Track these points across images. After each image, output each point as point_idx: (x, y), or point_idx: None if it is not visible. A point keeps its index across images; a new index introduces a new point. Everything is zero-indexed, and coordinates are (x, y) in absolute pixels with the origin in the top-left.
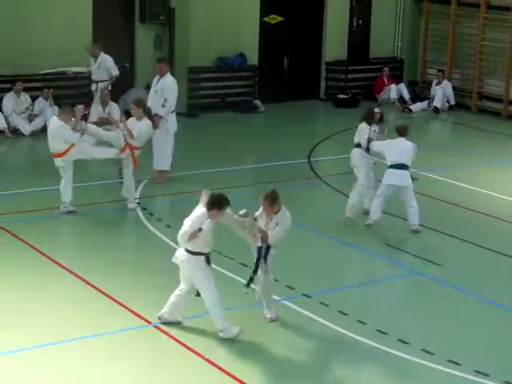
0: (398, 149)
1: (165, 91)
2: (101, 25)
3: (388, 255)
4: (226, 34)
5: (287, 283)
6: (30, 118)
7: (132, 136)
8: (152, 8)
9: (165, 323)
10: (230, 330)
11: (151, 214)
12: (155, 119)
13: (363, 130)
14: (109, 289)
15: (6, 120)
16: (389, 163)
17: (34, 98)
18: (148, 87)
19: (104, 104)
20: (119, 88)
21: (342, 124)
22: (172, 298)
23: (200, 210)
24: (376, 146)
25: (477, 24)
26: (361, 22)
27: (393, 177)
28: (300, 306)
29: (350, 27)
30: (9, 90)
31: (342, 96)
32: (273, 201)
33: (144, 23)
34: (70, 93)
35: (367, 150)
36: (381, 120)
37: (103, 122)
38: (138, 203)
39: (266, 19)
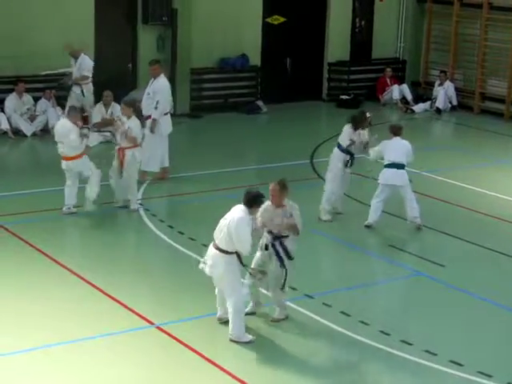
0: (394, 148)
1: (157, 94)
2: (103, 26)
3: (390, 256)
4: (229, 35)
5: (290, 284)
6: (32, 118)
7: (133, 137)
8: (154, 9)
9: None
10: (244, 336)
11: (154, 215)
12: (147, 121)
13: (348, 135)
14: (111, 289)
15: (8, 121)
16: (385, 163)
17: (36, 99)
18: None
19: (106, 105)
20: (122, 89)
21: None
22: (218, 298)
23: (241, 211)
24: (374, 152)
25: (479, 25)
26: (363, 22)
27: (389, 176)
28: (302, 306)
29: (353, 28)
30: (11, 91)
31: (344, 97)
32: (283, 187)
33: (146, 24)
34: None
35: (347, 151)
36: (369, 124)
37: (106, 123)
38: (140, 204)
39: (268, 20)
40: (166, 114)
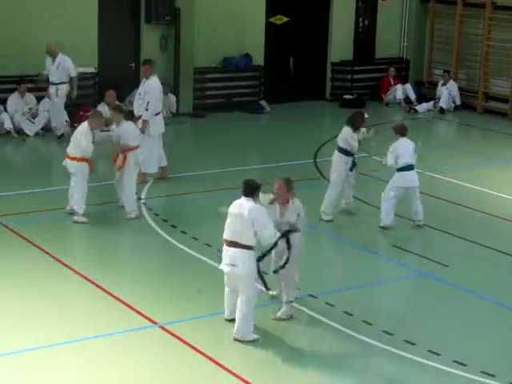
0: (407, 149)
1: (147, 94)
2: (106, 25)
3: (393, 255)
4: (232, 35)
5: (296, 285)
6: (33, 116)
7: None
8: (158, 8)
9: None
10: (249, 335)
11: (157, 215)
12: (138, 122)
13: (351, 136)
14: (114, 289)
15: (11, 120)
16: (401, 165)
17: (39, 99)
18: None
19: (109, 105)
20: (124, 89)
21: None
22: (227, 298)
23: (248, 202)
24: (391, 159)
25: (483, 24)
26: (367, 22)
27: (409, 178)
28: (305, 306)
29: (356, 28)
30: (15, 90)
31: (347, 96)
32: (288, 183)
33: (149, 24)
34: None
35: (350, 153)
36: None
37: (109, 123)
38: (143, 203)
39: (271, 20)
40: (157, 114)
